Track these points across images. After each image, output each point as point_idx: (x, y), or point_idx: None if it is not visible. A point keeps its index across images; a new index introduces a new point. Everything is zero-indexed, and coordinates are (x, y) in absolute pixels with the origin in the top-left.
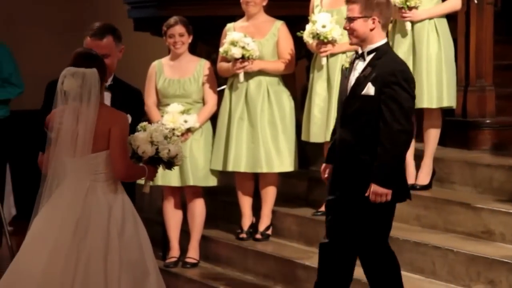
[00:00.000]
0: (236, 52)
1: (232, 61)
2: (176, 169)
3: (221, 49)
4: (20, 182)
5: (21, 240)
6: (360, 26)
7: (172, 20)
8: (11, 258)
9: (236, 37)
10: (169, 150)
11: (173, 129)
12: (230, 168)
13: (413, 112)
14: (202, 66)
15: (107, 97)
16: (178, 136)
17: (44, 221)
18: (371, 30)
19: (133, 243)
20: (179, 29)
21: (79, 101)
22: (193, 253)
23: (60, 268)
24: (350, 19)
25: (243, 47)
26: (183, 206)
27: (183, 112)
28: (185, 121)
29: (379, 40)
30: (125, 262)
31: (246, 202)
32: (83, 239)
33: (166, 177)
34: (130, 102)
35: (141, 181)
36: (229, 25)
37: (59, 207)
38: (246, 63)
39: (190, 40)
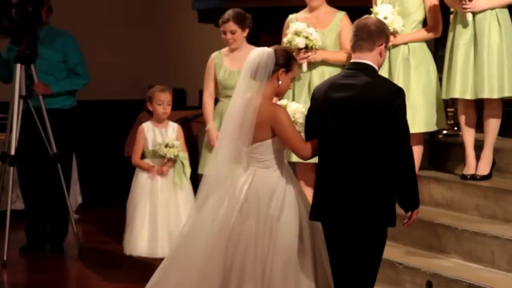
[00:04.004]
0: (300, 42)
1: (295, 51)
2: None
3: (284, 39)
4: (86, 171)
5: (87, 228)
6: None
7: (226, 15)
8: (77, 245)
9: (299, 27)
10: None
11: None
12: (294, 158)
13: None
14: None
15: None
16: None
17: (215, 203)
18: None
19: (290, 226)
20: (229, 26)
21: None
22: None
23: (221, 250)
24: None
25: (306, 37)
26: None
27: None
28: None
29: None
30: (280, 245)
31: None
32: (245, 221)
33: None
34: None
35: None
36: (291, 16)
37: (228, 191)
38: (309, 53)
39: (245, 34)
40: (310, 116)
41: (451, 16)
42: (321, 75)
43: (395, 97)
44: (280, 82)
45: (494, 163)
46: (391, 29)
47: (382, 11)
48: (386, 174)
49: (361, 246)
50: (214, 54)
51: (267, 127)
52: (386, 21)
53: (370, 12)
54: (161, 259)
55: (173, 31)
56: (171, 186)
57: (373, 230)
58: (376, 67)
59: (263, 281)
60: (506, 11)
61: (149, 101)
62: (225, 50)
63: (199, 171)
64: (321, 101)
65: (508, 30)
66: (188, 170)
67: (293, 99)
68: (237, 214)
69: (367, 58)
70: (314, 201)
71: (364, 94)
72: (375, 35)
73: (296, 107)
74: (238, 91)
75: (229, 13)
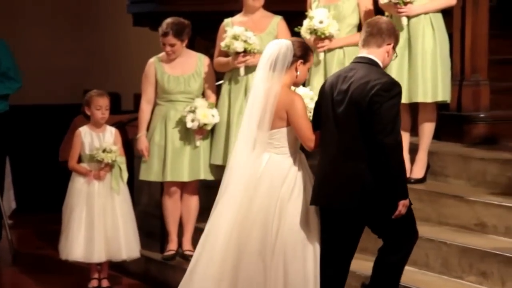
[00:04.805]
0: (239, 46)
1: (233, 55)
2: (187, 164)
3: (222, 43)
4: (20, 176)
5: (21, 233)
6: None
7: (165, 27)
8: (11, 251)
9: (238, 31)
10: None
11: (205, 124)
12: None
13: None
14: (202, 61)
15: None
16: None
17: (234, 189)
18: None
19: (298, 208)
20: (169, 40)
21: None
22: (190, 245)
23: (239, 231)
24: None
25: (245, 41)
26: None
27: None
28: (213, 115)
29: None
30: (289, 224)
31: None
32: (258, 202)
33: (175, 173)
34: None
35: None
36: (227, 20)
37: (247, 173)
38: (248, 57)
39: (184, 44)
40: (317, 107)
41: None
42: None
43: (387, 88)
44: (298, 72)
45: (428, 167)
46: (326, 33)
47: (317, 15)
48: (375, 164)
49: (351, 234)
50: (153, 60)
51: (284, 115)
52: (321, 25)
53: (305, 16)
54: (97, 264)
55: (107, 35)
56: (108, 191)
57: (362, 219)
58: (380, 63)
59: (273, 257)
60: (440, 15)
61: (86, 105)
62: (163, 55)
63: (142, 178)
64: (326, 93)
65: (441, 34)
66: (125, 175)
67: (229, 103)
68: (252, 196)
69: (373, 54)
70: (313, 188)
71: (360, 84)
72: (385, 33)
73: (305, 92)
74: (258, 82)
75: (168, 24)
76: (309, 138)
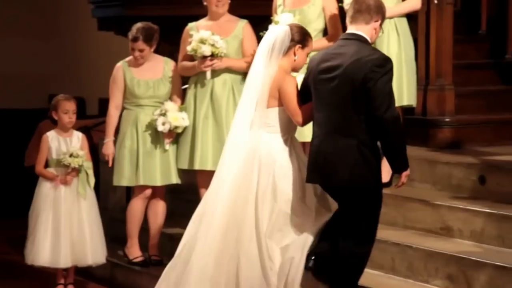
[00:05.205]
0: (206, 50)
1: (199, 59)
2: (159, 168)
3: (189, 47)
4: None
5: None
6: None
7: (135, 32)
8: None
9: (205, 35)
10: None
11: (176, 127)
12: (197, 166)
13: None
14: (168, 65)
15: None
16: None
17: (230, 164)
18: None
19: (291, 187)
20: (139, 45)
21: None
22: (157, 251)
23: (233, 208)
24: None
25: (212, 45)
26: None
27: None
28: (183, 118)
29: None
30: (281, 202)
31: None
32: (249, 180)
33: (147, 177)
34: None
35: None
36: (191, 25)
37: (245, 150)
38: (215, 61)
39: (153, 49)
40: (304, 85)
41: None
42: (223, 83)
43: (381, 64)
44: (296, 57)
45: None
46: None
47: (283, 19)
48: (371, 138)
49: (351, 207)
50: (120, 64)
51: (277, 94)
52: None
53: (271, 21)
54: (63, 270)
55: (71, 40)
56: (74, 196)
57: (357, 192)
58: (369, 40)
59: (266, 233)
60: (404, 20)
61: (54, 109)
62: (130, 59)
63: (115, 183)
64: (314, 70)
65: (406, 39)
66: (92, 180)
67: (195, 107)
68: (244, 174)
69: (362, 30)
70: (308, 164)
71: (352, 61)
72: (373, 10)
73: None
74: (257, 68)
75: (138, 29)
76: (297, 113)
